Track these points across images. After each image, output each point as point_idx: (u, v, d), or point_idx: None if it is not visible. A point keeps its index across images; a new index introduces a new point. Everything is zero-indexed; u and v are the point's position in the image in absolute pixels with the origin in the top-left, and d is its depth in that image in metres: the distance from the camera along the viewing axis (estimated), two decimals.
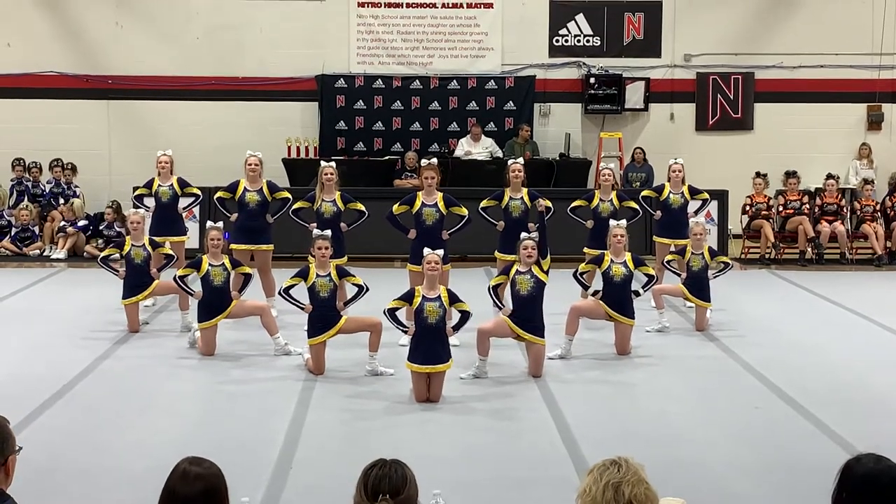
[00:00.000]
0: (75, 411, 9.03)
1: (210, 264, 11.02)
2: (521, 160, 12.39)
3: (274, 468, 7.58)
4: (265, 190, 12.75)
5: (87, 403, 9.25)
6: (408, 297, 9.60)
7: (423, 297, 9.48)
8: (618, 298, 11.05)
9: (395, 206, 11.69)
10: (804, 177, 18.75)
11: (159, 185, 13.46)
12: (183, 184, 13.57)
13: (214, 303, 10.96)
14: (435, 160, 12.01)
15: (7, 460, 3.93)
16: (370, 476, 3.89)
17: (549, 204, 11.74)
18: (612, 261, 11.15)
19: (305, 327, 10.37)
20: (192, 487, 3.87)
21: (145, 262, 11.97)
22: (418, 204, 11.54)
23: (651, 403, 9.47)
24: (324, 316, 10.14)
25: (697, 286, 12.20)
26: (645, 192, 14.09)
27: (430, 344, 9.38)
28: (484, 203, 12.24)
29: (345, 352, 10.53)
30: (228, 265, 11.13)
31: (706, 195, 14.05)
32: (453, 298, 9.69)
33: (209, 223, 11.46)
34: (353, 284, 10.58)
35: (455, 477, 7.34)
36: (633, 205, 13.24)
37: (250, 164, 12.74)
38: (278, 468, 7.59)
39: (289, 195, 12.93)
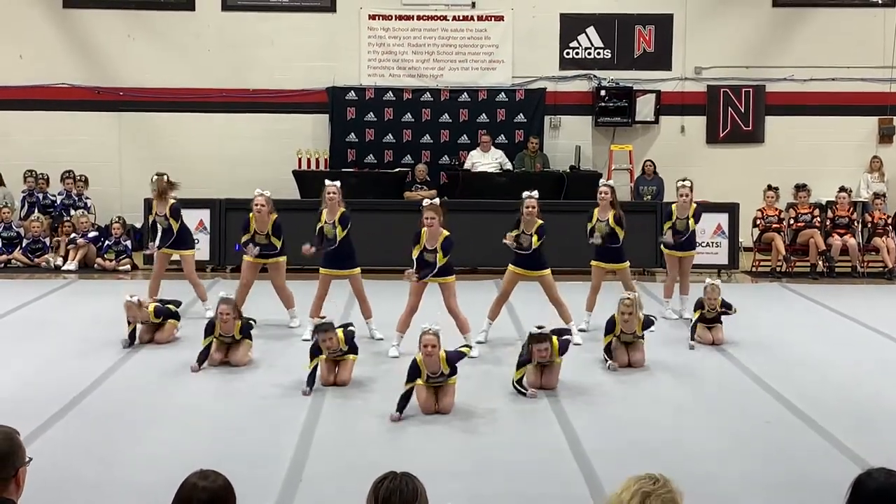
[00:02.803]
0: (85, 423, 9.02)
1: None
2: (535, 193, 12.27)
3: (284, 482, 7.57)
4: (270, 232, 12.71)
5: (96, 415, 9.25)
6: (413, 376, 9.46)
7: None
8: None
9: (414, 251, 11.59)
10: (815, 190, 18.72)
11: (157, 214, 13.43)
12: (174, 212, 13.38)
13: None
14: (437, 200, 11.95)
15: (17, 472, 3.93)
16: (381, 489, 3.89)
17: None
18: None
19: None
20: (200, 499, 3.87)
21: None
22: (421, 247, 11.52)
23: (661, 417, 9.44)
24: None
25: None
26: (666, 227, 13.86)
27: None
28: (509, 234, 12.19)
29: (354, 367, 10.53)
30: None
31: (694, 225, 13.76)
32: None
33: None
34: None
35: (465, 491, 7.33)
36: (620, 232, 13.04)
37: (257, 205, 12.62)
38: (288, 482, 7.58)
39: (279, 244, 12.78)
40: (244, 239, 12.71)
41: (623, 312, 11.09)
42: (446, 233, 11.49)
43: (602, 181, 13.56)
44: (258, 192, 12.76)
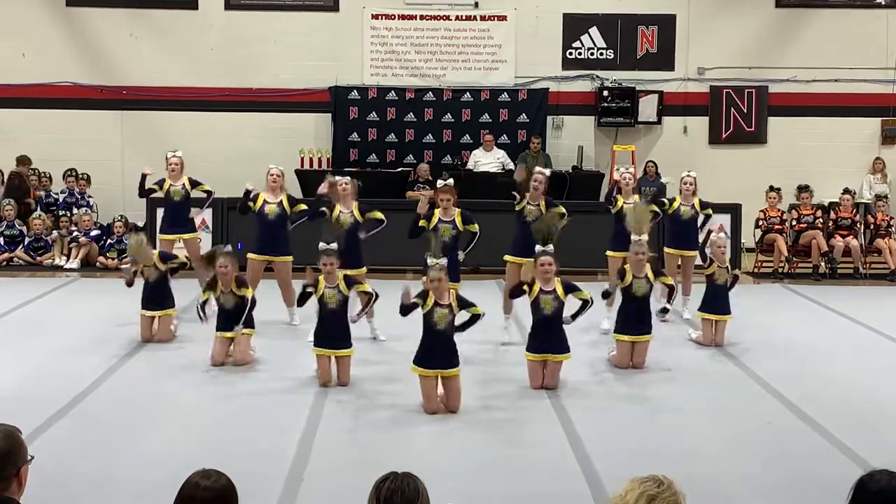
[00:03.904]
0: (86, 422, 9.03)
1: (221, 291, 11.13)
2: (547, 171, 12.47)
3: (285, 481, 7.57)
4: (285, 203, 12.85)
5: (98, 414, 9.25)
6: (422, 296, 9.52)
7: (435, 302, 9.45)
8: (639, 315, 11.20)
9: (422, 221, 11.69)
10: (817, 191, 18.73)
11: (171, 185, 13.62)
12: (194, 182, 13.83)
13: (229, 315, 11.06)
14: (451, 181, 12.03)
15: (19, 470, 3.93)
16: (382, 489, 3.89)
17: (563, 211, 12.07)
18: (634, 276, 11.23)
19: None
20: (203, 498, 3.88)
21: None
22: (435, 220, 11.59)
23: (663, 417, 9.44)
24: (332, 328, 10.22)
25: (720, 299, 12.22)
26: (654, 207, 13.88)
27: (440, 349, 9.44)
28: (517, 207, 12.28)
29: (355, 365, 10.52)
30: (235, 289, 11.16)
31: (710, 211, 13.88)
32: (463, 304, 9.70)
33: (220, 247, 11.68)
34: (363, 293, 10.66)
35: (467, 491, 7.32)
36: (655, 208, 13.15)
37: (272, 176, 12.94)
38: (289, 481, 7.59)
39: (306, 207, 13.01)
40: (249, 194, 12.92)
41: (637, 252, 11.23)
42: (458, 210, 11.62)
43: (623, 168, 13.62)
44: (272, 165, 13.16)
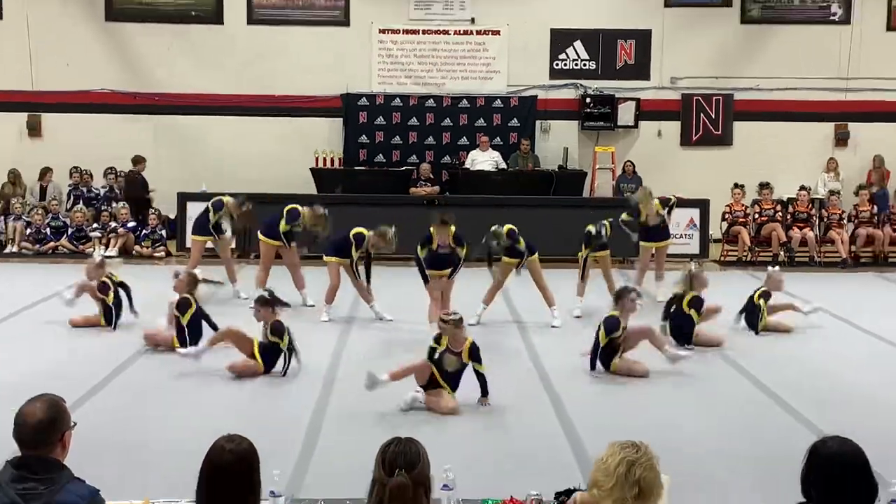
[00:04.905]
0: (122, 394, 9.01)
1: None
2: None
3: (301, 449, 7.54)
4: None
5: (134, 388, 9.22)
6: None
7: (439, 245, 9.44)
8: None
9: (419, 250, 11.40)
10: (777, 188, 18.71)
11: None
12: None
13: None
14: (446, 219, 11.38)
15: (63, 435, 3.95)
16: (387, 452, 3.90)
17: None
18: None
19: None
20: (227, 460, 3.91)
21: None
22: (435, 245, 11.41)
23: (642, 404, 9.30)
24: None
25: None
26: (623, 217, 13.77)
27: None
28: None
29: (364, 351, 10.46)
30: None
31: (672, 197, 14.14)
32: (474, 356, 8.58)
33: None
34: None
35: (465, 483, 7.12)
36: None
37: None
38: (305, 449, 7.55)
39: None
40: None
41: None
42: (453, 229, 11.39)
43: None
44: None
